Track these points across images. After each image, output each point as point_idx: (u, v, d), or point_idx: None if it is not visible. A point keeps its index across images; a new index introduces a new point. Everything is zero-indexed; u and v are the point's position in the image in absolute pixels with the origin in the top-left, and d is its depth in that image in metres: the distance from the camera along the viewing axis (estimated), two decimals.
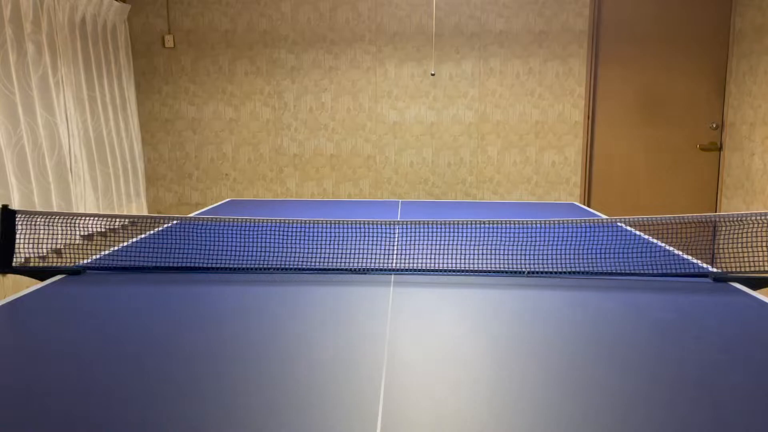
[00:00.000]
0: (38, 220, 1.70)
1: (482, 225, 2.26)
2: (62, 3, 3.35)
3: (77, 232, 3.35)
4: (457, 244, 1.97)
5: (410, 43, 4.14)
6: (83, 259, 1.81)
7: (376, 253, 1.85)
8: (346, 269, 1.65)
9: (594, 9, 4.12)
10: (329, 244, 1.97)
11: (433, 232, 2.21)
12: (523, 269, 1.66)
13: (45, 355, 1.06)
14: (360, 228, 2.26)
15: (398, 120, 4.25)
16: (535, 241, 2.04)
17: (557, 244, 1.99)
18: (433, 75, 3.43)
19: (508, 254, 1.85)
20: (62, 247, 1.94)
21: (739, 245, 1.65)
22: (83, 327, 1.20)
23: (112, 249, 1.93)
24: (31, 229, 1.70)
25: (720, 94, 4.13)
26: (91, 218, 1.70)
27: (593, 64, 4.19)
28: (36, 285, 1.52)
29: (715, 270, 1.63)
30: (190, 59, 4.22)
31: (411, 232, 2.18)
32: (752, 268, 1.58)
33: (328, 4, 4.12)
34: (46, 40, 3.19)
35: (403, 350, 1.09)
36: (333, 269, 1.65)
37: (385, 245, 1.96)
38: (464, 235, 2.13)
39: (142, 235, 2.15)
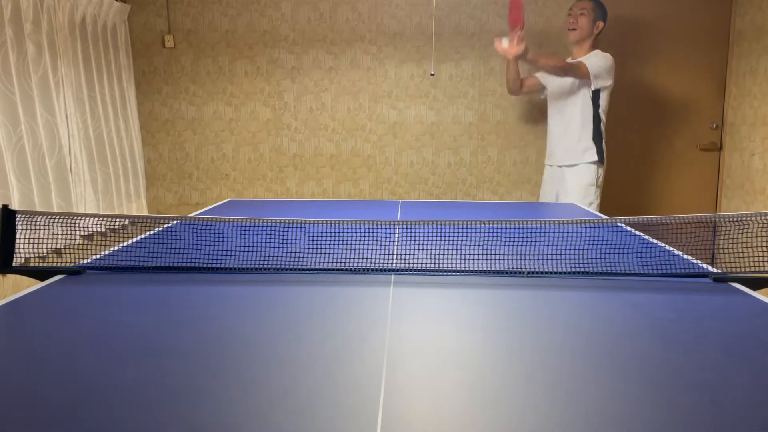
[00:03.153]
0: (38, 220, 1.70)
1: (482, 225, 2.26)
2: (62, 3, 3.35)
3: (77, 232, 3.34)
4: (457, 244, 1.97)
5: (410, 44, 4.14)
6: (83, 259, 1.81)
7: (376, 254, 1.85)
8: (346, 269, 1.65)
9: None
10: (329, 244, 1.97)
11: (433, 232, 2.21)
12: (523, 269, 1.66)
13: (45, 355, 1.06)
14: (360, 228, 2.26)
15: (398, 120, 4.25)
16: (535, 241, 2.04)
17: (557, 245, 1.99)
18: (432, 75, 3.43)
19: (508, 254, 1.85)
20: (62, 247, 1.94)
21: (739, 245, 1.65)
22: (83, 327, 1.20)
23: (112, 249, 1.93)
24: (31, 229, 1.70)
25: (720, 94, 4.13)
26: (91, 218, 1.70)
27: None
28: (36, 285, 1.52)
29: (715, 270, 1.63)
30: (190, 59, 4.22)
31: (411, 232, 2.18)
32: (752, 268, 1.58)
33: (328, 4, 4.12)
34: (46, 40, 3.19)
35: (403, 350, 1.09)
36: (333, 269, 1.65)
37: (385, 245, 1.96)
38: (464, 235, 2.13)
39: (142, 235, 2.15)
